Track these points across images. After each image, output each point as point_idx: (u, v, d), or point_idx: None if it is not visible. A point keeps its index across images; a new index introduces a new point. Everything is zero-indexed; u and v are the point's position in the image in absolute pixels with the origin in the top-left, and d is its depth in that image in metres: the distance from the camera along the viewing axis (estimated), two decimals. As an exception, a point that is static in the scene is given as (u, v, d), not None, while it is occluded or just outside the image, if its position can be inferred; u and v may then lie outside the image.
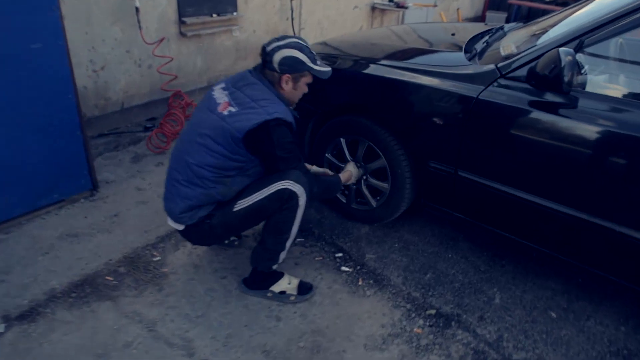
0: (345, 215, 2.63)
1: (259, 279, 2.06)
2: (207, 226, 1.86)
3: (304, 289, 2.08)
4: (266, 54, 1.84)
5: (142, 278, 2.14)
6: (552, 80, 1.60)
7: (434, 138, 2.05)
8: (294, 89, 1.91)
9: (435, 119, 1.99)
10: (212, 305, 2.01)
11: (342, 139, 2.42)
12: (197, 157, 1.80)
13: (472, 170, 1.97)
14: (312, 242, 2.46)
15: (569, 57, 1.56)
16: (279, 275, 2.08)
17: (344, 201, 2.57)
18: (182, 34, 3.84)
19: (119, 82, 3.57)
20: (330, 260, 2.33)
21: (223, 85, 1.90)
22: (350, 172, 2.30)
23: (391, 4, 5.90)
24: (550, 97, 1.71)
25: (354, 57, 2.41)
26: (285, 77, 1.85)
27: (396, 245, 2.44)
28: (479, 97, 1.86)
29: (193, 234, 1.90)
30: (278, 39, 1.86)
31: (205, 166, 1.79)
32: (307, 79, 1.91)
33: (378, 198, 2.41)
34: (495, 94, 1.84)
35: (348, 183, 2.30)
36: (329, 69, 1.94)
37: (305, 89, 1.96)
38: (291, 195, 1.80)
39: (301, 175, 1.83)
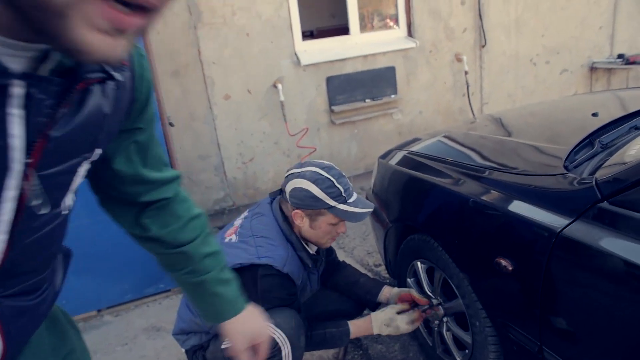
0: (432, 363, 1.94)
1: None
2: (202, 358, 1.60)
3: None
4: (284, 180, 1.55)
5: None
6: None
7: (505, 289, 1.30)
8: (311, 228, 1.52)
9: (501, 261, 1.27)
10: None
11: (418, 263, 1.82)
12: None
13: (563, 355, 1.15)
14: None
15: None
16: None
17: (430, 344, 1.90)
18: (332, 122, 3.80)
19: (268, 173, 3.72)
20: None
21: (253, 206, 1.69)
22: (369, 323, 1.64)
23: (618, 60, 4.60)
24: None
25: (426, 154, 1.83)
26: (298, 212, 1.50)
27: None
28: (562, 233, 1.09)
29: None
30: (300, 165, 1.52)
31: None
32: (329, 218, 1.49)
33: (467, 351, 1.68)
34: (590, 230, 1.04)
35: (383, 333, 1.66)
36: (362, 209, 1.48)
37: (333, 230, 1.54)
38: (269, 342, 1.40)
39: (287, 319, 1.42)
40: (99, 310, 2.62)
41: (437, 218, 1.62)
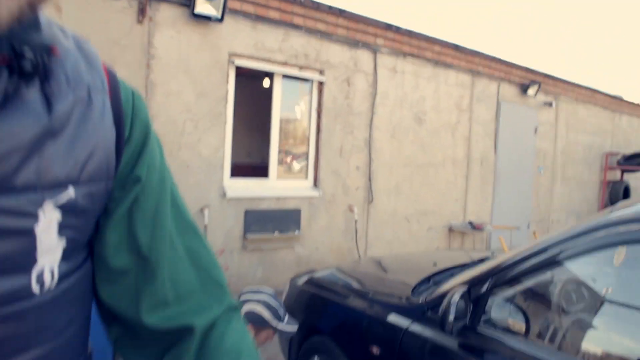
0: None
1: None
2: None
3: None
4: (239, 301, 2.11)
5: None
6: (441, 319, 1.58)
7: (374, 368, 1.98)
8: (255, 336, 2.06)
9: (373, 348, 1.97)
10: None
11: (316, 357, 2.43)
12: None
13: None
14: None
15: (455, 299, 1.56)
16: None
17: None
18: (244, 248, 4.45)
19: (182, 286, 4.15)
20: None
21: None
22: None
23: (468, 226, 6.03)
24: (444, 336, 1.65)
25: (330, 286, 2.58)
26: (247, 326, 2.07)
27: None
28: (407, 329, 1.85)
29: None
30: (254, 291, 2.09)
31: None
32: (268, 332, 2.03)
33: None
34: (421, 327, 1.82)
35: None
36: (292, 328, 2.06)
37: (268, 339, 2.08)
38: None
39: None
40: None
41: (332, 322, 2.30)
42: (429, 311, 1.85)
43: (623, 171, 9.02)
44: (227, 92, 4.37)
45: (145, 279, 0.55)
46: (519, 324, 1.66)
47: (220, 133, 4.33)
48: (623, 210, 1.51)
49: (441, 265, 2.53)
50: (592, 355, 1.55)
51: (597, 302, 1.77)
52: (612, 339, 1.66)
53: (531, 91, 6.97)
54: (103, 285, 0.56)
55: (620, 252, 1.65)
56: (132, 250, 0.55)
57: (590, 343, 1.63)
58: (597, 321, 1.67)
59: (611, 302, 1.78)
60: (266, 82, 5.76)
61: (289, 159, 5.67)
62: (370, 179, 5.35)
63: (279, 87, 4.79)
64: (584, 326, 1.70)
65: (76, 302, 0.52)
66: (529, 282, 1.65)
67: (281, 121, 4.89)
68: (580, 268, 1.67)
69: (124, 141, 0.54)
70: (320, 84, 4.98)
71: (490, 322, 1.65)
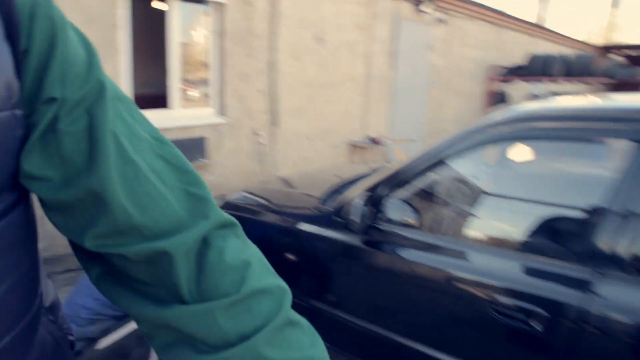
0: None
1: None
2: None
3: None
4: None
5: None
6: (347, 222, 1.78)
7: (290, 272, 2.19)
8: None
9: (288, 255, 2.16)
10: None
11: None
12: None
13: (322, 300, 2.08)
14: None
15: (358, 203, 1.76)
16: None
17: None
18: (153, 180, 4.37)
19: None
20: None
21: None
22: None
23: (368, 141, 6.40)
24: (351, 236, 1.88)
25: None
26: None
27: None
28: (317, 233, 2.05)
29: None
30: None
31: None
32: None
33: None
34: (329, 232, 2.02)
35: None
36: None
37: None
38: None
39: None
40: None
41: (250, 237, 2.45)
42: (336, 217, 2.06)
43: (503, 82, 9.93)
44: (118, 17, 4.01)
45: (96, 206, 0.46)
46: (413, 219, 1.93)
47: (115, 63, 4.02)
48: (494, 115, 1.76)
49: (345, 178, 2.76)
50: (474, 239, 1.87)
51: (476, 195, 2.08)
52: (489, 224, 2.00)
53: (425, 7, 7.22)
54: (56, 219, 0.49)
55: (493, 151, 1.93)
56: (67, 178, 0.46)
57: (473, 229, 1.95)
58: (476, 211, 1.98)
59: (488, 194, 2.10)
60: (162, 6, 5.34)
61: (187, 87, 5.47)
62: (274, 102, 5.37)
63: (176, 11, 4.48)
64: (466, 215, 2.01)
65: (1, 254, 0.44)
66: (419, 183, 1.90)
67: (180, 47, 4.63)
68: (462, 167, 1.94)
69: (22, 56, 0.43)
70: (220, 5, 4.73)
71: (389, 220, 1.89)
